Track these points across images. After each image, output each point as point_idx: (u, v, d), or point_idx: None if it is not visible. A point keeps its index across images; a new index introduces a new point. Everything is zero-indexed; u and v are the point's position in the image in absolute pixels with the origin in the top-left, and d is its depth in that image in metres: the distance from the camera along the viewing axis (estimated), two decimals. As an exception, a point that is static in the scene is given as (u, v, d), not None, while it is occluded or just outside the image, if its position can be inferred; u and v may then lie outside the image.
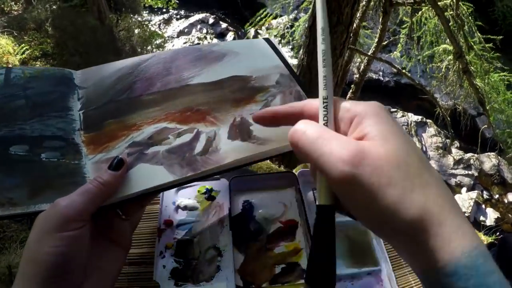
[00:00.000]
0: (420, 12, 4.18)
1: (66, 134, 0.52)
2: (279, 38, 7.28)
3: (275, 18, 5.82)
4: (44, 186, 0.46)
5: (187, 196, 0.73)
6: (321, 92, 0.37)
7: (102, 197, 0.44)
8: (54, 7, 5.22)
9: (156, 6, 6.17)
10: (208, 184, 0.75)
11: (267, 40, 0.70)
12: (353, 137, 0.34)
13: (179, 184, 0.49)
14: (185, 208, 0.71)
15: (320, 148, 0.34)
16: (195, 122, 0.55)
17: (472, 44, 4.09)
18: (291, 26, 4.44)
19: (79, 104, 0.57)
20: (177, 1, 6.31)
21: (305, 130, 0.36)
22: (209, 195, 0.73)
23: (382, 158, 0.32)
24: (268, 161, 3.33)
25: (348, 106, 0.37)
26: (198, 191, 0.74)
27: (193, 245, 0.66)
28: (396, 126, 0.35)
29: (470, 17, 4.07)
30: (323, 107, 0.37)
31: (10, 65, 3.26)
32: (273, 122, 0.43)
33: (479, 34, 4.29)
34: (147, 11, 6.68)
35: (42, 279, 0.39)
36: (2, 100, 0.53)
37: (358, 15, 3.63)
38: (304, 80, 2.75)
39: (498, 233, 2.79)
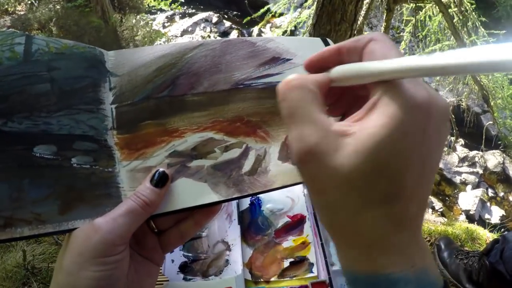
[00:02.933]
0: (423, 10, 4.17)
1: (98, 134, 0.45)
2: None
3: (279, 16, 5.81)
4: (76, 198, 0.41)
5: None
6: None
7: (145, 216, 0.41)
8: (57, 7, 5.24)
9: (157, 8, 6.17)
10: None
11: (324, 40, 0.61)
12: (350, 121, 0.29)
13: (219, 203, 0.45)
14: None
15: (288, 128, 0.30)
16: (245, 136, 0.49)
17: (476, 40, 4.07)
18: (295, 26, 4.43)
19: (111, 95, 0.48)
20: (183, 0, 6.30)
21: (284, 97, 0.31)
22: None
23: (328, 172, 0.28)
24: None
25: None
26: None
27: (201, 239, 0.66)
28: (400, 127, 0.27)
29: (473, 13, 4.06)
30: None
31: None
32: (336, 61, 0.34)
33: (483, 29, 4.28)
34: (153, 10, 6.68)
35: None
36: (22, 80, 0.42)
37: (362, 12, 3.62)
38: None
39: (502, 230, 2.77)
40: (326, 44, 0.59)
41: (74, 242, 0.38)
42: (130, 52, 0.52)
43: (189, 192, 0.44)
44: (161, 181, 0.42)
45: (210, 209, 0.46)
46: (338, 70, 0.32)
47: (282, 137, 0.50)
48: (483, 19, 4.38)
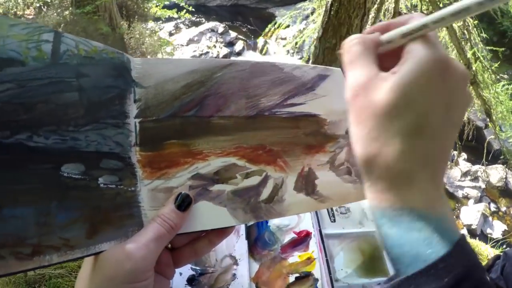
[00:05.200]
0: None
1: (124, 151, 0.42)
2: (289, 49, 7.32)
3: (284, 28, 5.85)
4: (102, 221, 0.39)
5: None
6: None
7: (169, 238, 0.42)
8: (66, 12, 5.29)
9: (164, 17, 6.21)
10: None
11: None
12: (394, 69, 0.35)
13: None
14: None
15: (345, 73, 0.38)
16: (265, 164, 0.50)
17: (479, 55, 4.10)
18: (301, 37, 4.47)
19: (135, 108, 0.44)
20: (192, 10, 6.33)
21: (348, 50, 0.38)
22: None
23: (373, 105, 0.34)
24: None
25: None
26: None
27: (209, 253, 0.68)
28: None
29: (475, 29, 4.09)
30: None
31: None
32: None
33: (481, 45, 4.31)
34: (161, 19, 6.73)
35: None
36: (49, 87, 0.38)
37: (367, 26, 3.65)
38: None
39: (505, 246, 2.77)
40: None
41: (104, 267, 0.39)
42: (158, 62, 0.48)
43: (208, 215, 0.44)
44: (185, 204, 0.43)
45: (224, 230, 0.47)
46: (386, 34, 0.39)
47: (299, 168, 0.51)
48: (485, 35, 4.41)
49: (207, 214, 0.44)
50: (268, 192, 0.48)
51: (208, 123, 0.48)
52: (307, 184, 0.50)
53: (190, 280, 0.65)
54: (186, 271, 0.66)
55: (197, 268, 0.66)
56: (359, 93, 0.35)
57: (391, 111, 0.33)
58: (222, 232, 0.48)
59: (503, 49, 4.65)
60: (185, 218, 0.43)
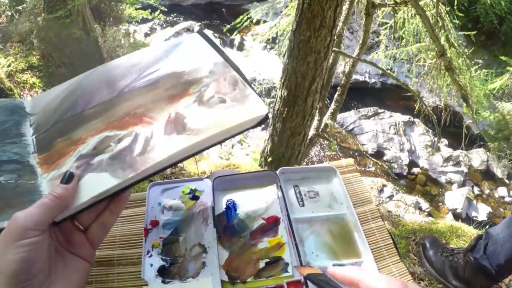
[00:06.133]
0: (399, 13, 4.23)
1: (22, 157, 0.56)
2: (265, 44, 7.32)
3: (257, 23, 5.85)
4: (4, 206, 0.50)
5: (172, 196, 0.75)
6: None
7: (57, 208, 0.49)
8: (38, 18, 5.20)
9: (139, 18, 6.14)
10: (192, 185, 0.77)
11: (200, 33, 0.71)
12: None
13: (127, 187, 0.52)
14: (170, 208, 0.73)
15: None
16: (133, 126, 0.57)
17: (453, 41, 4.15)
18: (276, 32, 4.47)
19: (32, 129, 0.61)
20: (165, 10, 6.29)
21: None
22: (193, 195, 0.75)
23: None
24: (259, 167, 3.37)
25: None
26: (183, 191, 0.76)
27: (178, 243, 0.68)
28: None
29: (447, 16, 4.14)
30: None
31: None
32: None
33: (454, 31, 4.38)
34: (135, 21, 6.67)
35: (9, 287, 0.43)
36: None
37: (341, 18, 3.67)
38: (290, 84, 2.78)
39: (487, 226, 2.82)
40: (204, 37, 0.69)
41: (1, 235, 0.46)
42: (44, 94, 0.65)
43: (93, 184, 0.51)
44: (68, 179, 0.51)
45: (120, 196, 0.54)
46: None
47: (166, 116, 0.57)
48: (457, 22, 4.47)
49: (92, 184, 0.51)
50: (140, 146, 0.54)
51: (81, 116, 0.60)
52: (176, 125, 0.55)
53: (161, 271, 0.65)
54: (156, 262, 0.66)
55: (167, 258, 0.66)
56: None
57: None
58: (119, 199, 0.55)
59: (474, 32, 4.72)
60: (70, 189, 0.50)
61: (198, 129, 0.54)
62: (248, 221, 0.71)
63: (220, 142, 0.56)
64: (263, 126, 3.52)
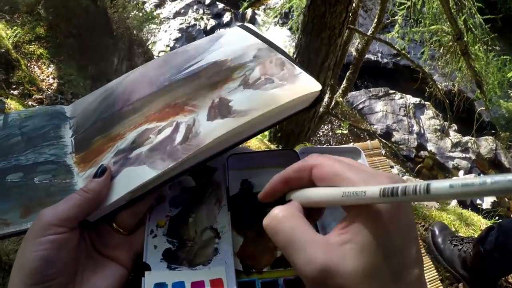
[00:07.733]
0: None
1: (58, 158, 0.55)
2: (277, 19, 7.19)
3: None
4: (37, 205, 0.49)
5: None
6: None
7: (87, 204, 0.45)
8: (45, -12, 5.10)
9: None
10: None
11: (242, 26, 0.69)
12: (341, 231, 0.35)
13: (168, 181, 0.50)
14: (179, 183, 0.65)
15: (290, 257, 0.35)
16: (174, 116, 0.54)
17: (472, 26, 4.03)
18: (289, 8, 4.36)
19: (71, 131, 0.60)
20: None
21: (276, 230, 0.37)
22: (206, 170, 0.68)
23: (347, 277, 0.32)
24: (268, 142, 3.32)
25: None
26: (194, 166, 0.69)
27: (188, 224, 0.61)
28: (383, 230, 0.34)
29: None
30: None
31: (3, 50, 3.21)
32: (284, 189, 0.45)
33: (479, 15, 4.24)
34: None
35: (25, 286, 0.40)
36: (0, 140, 0.57)
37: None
38: (302, 59, 2.71)
39: (497, 217, 2.78)
40: (246, 29, 0.67)
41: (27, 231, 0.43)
42: (84, 98, 0.65)
43: (129, 178, 0.48)
44: (101, 173, 0.48)
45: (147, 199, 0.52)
46: (304, 196, 0.40)
47: (209, 102, 0.54)
48: (480, 4, 4.34)
49: (128, 178, 0.48)
50: (182, 135, 0.51)
51: (120, 113, 0.58)
52: (220, 110, 0.52)
53: (167, 254, 0.57)
54: (162, 244, 0.58)
55: (174, 240, 0.58)
56: (325, 276, 0.32)
57: (372, 270, 0.32)
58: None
59: (500, 15, 4.58)
60: (102, 183, 0.47)
61: (245, 111, 0.51)
62: (265, 205, 0.65)
63: (272, 126, 0.54)
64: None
